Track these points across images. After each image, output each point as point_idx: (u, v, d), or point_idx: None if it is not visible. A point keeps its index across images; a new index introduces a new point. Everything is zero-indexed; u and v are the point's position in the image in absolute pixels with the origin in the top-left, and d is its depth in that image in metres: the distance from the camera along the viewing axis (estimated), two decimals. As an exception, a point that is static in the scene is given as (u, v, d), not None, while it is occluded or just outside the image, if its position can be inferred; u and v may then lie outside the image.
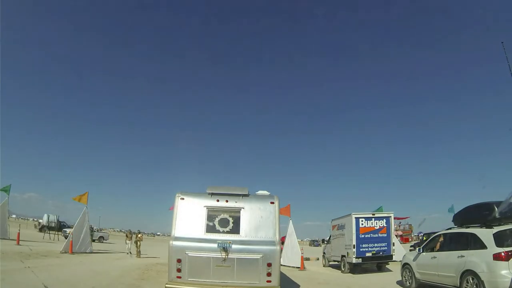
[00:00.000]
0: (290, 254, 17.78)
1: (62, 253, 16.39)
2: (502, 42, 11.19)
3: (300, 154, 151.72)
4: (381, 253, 14.87)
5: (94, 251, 19.26)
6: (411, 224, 44.18)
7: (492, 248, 6.72)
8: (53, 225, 33.82)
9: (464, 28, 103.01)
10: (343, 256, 15.98)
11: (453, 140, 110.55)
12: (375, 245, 14.85)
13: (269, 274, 6.56)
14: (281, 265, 9.06)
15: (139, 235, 20.51)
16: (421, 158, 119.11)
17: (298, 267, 16.41)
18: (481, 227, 7.49)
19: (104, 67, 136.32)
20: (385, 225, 15.15)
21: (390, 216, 15.58)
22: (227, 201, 7.12)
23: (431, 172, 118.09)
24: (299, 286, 10.60)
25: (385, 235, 15.06)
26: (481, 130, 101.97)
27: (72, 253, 16.68)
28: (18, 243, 18.56)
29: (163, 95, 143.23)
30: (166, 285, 6.65)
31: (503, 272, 6.37)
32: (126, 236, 22.06)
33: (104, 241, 33.77)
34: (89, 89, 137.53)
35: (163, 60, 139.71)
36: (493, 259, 6.57)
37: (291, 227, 18.52)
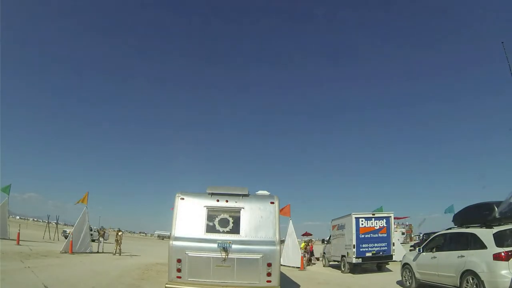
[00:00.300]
0: (290, 254, 17.78)
1: (62, 253, 16.37)
2: (502, 42, 11.22)
3: (300, 154, 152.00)
4: (381, 253, 14.87)
5: (93, 251, 19.26)
6: (411, 224, 44.26)
7: (492, 248, 6.72)
8: None
9: (464, 28, 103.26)
10: (343, 256, 15.98)
11: (453, 140, 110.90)
12: (375, 245, 14.85)
13: (269, 274, 6.56)
14: (281, 265, 9.05)
15: (119, 234, 20.59)
16: (421, 158, 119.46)
17: (298, 267, 16.42)
18: (481, 227, 7.48)
19: (104, 67, 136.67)
20: (385, 225, 15.15)
21: (390, 216, 15.58)
22: (227, 201, 7.12)
23: (431, 172, 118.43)
24: (299, 286, 10.60)
25: (385, 235, 15.06)
26: (481, 130, 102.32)
27: (72, 253, 16.68)
28: (18, 243, 18.54)
29: (163, 95, 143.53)
30: (166, 285, 6.65)
31: (503, 272, 6.36)
32: (98, 233, 22.03)
33: (104, 241, 33.66)
34: (89, 89, 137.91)
35: (163, 60, 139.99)
36: (493, 259, 6.57)
37: (291, 227, 18.50)
